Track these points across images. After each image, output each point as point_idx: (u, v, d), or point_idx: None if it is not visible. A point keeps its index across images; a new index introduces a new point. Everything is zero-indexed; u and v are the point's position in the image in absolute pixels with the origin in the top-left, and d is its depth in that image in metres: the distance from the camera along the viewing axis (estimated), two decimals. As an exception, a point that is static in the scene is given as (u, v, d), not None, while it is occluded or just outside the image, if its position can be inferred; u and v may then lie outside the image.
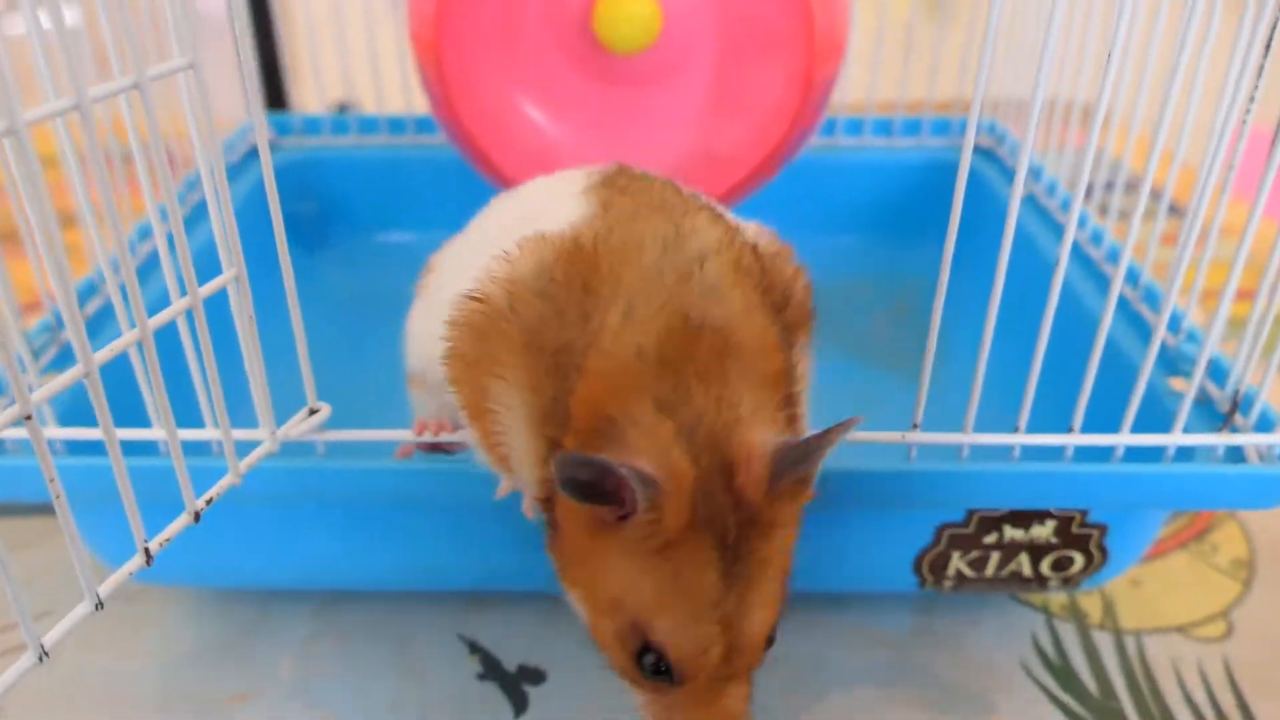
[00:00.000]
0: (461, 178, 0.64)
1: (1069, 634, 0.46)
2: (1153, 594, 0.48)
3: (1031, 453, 0.39)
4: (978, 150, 0.67)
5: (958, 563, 0.42)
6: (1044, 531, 0.41)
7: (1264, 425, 0.38)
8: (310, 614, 0.46)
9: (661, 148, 0.61)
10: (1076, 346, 0.41)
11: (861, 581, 0.45)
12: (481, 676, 0.44)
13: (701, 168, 0.60)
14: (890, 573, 0.43)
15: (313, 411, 0.37)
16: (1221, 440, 0.38)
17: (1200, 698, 0.43)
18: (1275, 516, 0.54)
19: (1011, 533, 0.41)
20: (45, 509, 0.52)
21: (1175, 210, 0.71)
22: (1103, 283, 0.51)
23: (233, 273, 0.31)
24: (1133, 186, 0.55)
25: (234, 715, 0.42)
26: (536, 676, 0.43)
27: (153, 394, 0.35)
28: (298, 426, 0.36)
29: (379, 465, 0.38)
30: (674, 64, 0.60)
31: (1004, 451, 0.39)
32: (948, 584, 0.43)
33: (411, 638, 0.45)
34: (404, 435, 0.40)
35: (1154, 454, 0.39)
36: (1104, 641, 0.45)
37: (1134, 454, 0.39)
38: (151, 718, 0.42)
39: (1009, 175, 0.64)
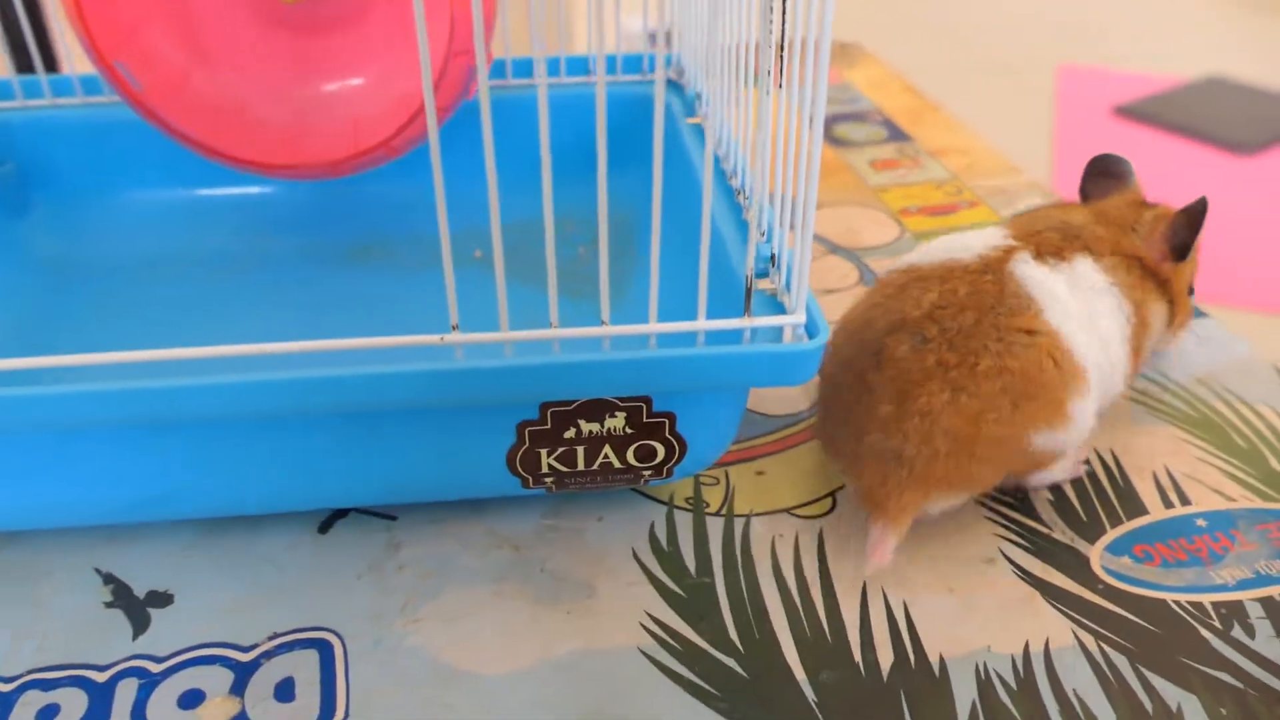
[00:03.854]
0: (161, 135, 0.64)
1: (685, 522, 0.49)
2: (774, 482, 0.51)
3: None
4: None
5: (548, 460, 0.45)
6: (617, 423, 0.43)
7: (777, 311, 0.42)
8: (-51, 561, 0.47)
9: (340, 97, 0.63)
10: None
11: (475, 487, 0.47)
12: (109, 604, 0.45)
13: (383, 112, 0.62)
14: (493, 475, 0.45)
15: None
16: (742, 324, 0.41)
17: (787, 566, 0.46)
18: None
19: (588, 426, 0.43)
20: None
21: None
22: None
23: None
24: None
25: None
26: (163, 600, 0.45)
27: None
28: None
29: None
30: (343, 12, 0.62)
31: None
32: (549, 481, 0.46)
33: (48, 575, 0.46)
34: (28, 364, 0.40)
35: (727, 341, 0.42)
36: (715, 526, 0.49)
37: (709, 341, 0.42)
38: None
39: (686, 103, 0.67)
